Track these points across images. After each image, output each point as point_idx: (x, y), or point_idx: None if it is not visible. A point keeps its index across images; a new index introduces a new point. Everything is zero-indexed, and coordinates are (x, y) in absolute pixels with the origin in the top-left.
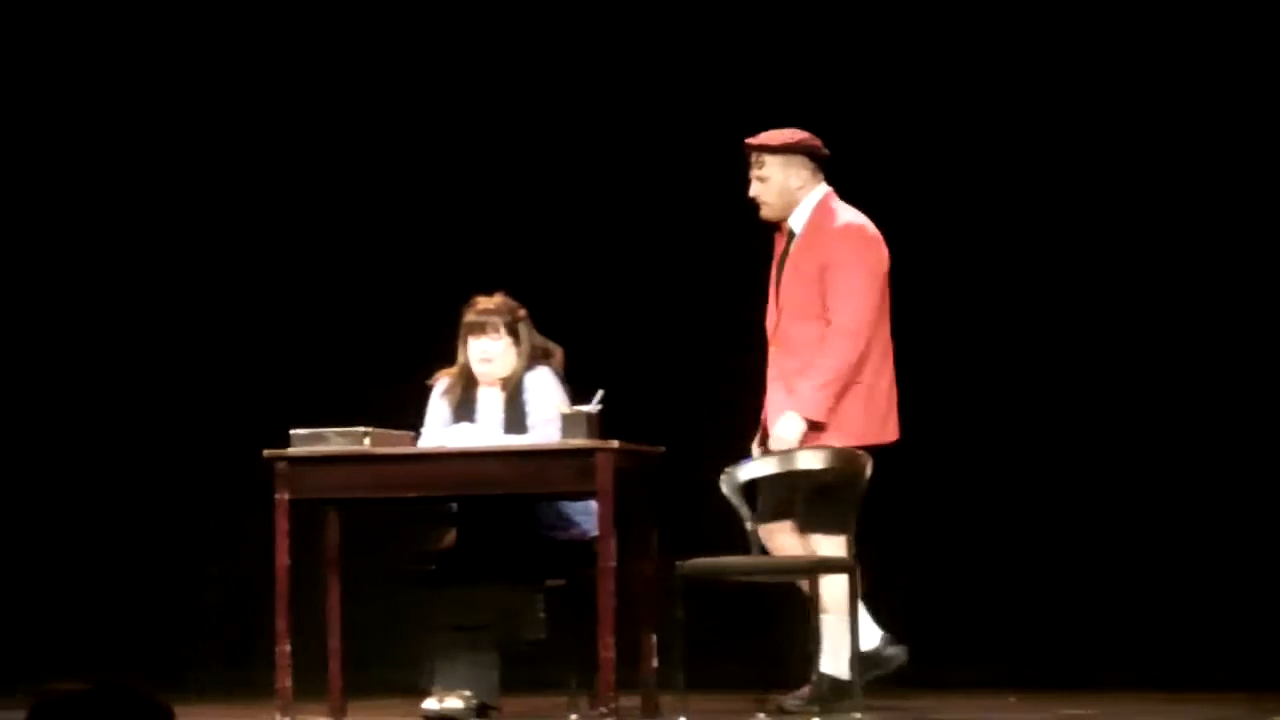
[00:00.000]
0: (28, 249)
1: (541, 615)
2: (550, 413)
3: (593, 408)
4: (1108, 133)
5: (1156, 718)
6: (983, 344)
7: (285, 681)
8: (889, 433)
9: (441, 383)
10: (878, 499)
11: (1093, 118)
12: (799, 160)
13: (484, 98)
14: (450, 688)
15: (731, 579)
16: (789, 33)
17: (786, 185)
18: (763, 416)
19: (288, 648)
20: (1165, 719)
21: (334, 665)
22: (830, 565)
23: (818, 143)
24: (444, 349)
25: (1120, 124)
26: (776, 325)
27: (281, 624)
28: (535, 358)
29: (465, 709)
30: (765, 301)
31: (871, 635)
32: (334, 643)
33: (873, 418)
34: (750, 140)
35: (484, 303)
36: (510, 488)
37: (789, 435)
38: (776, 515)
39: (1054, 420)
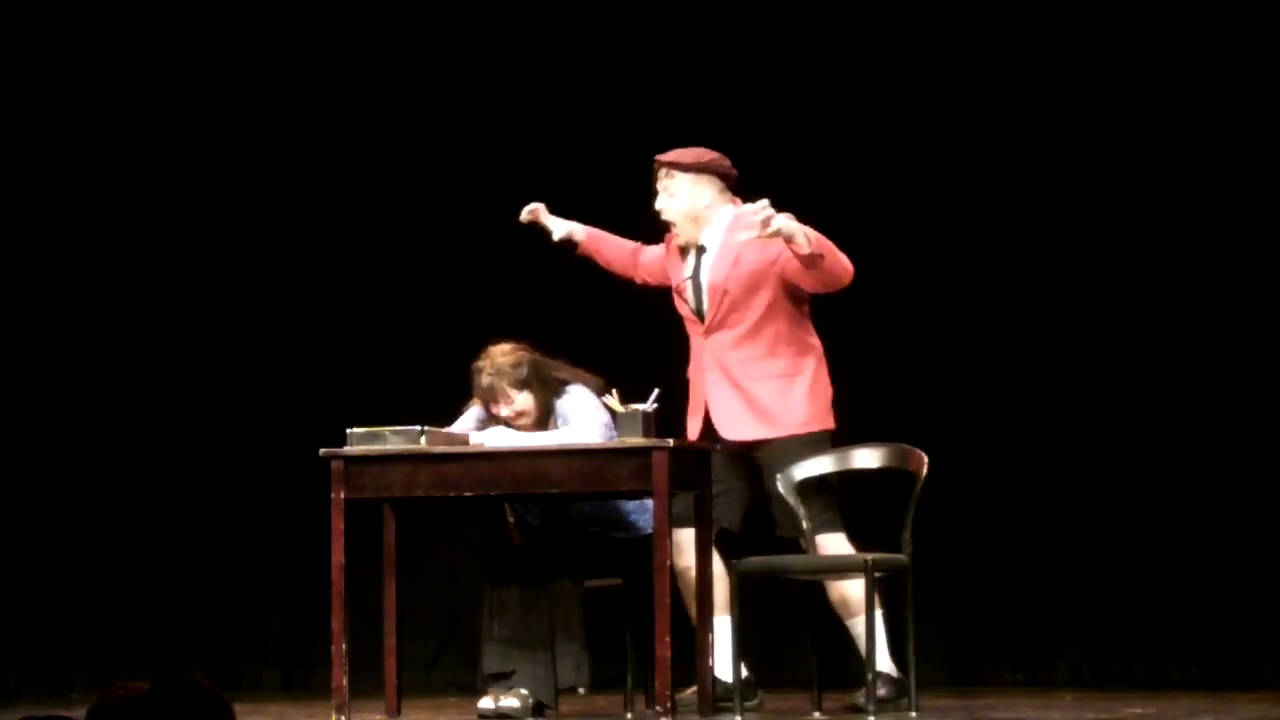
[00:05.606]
0: (91, 254)
1: (578, 649)
2: (590, 412)
3: (648, 406)
4: (1116, 136)
5: (1214, 716)
6: (1034, 348)
7: (341, 680)
8: (830, 421)
9: (475, 411)
10: (937, 501)
11: (1101, 125)
12: (707, 179)
13: (540, 114)
14: (507, 686)
15: (789, 578)
16: (784, 38)
17: (693, 204)
18: (702, 412)
19: (344, 646)
20: (1222, 718)
21: (390, 663)
22: (884, 564)
23: (727, 163)
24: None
25: (1126, 129)
26: (710, 330)
27: (337, 623)
28: (558, 390)
29: (522, 708)
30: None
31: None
32: (390, 641)
33: (817, 407)
34: (661, 157)
35: (485, 372)
36: (567, 487)
37: (784, 220)
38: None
39: (1110, 420)
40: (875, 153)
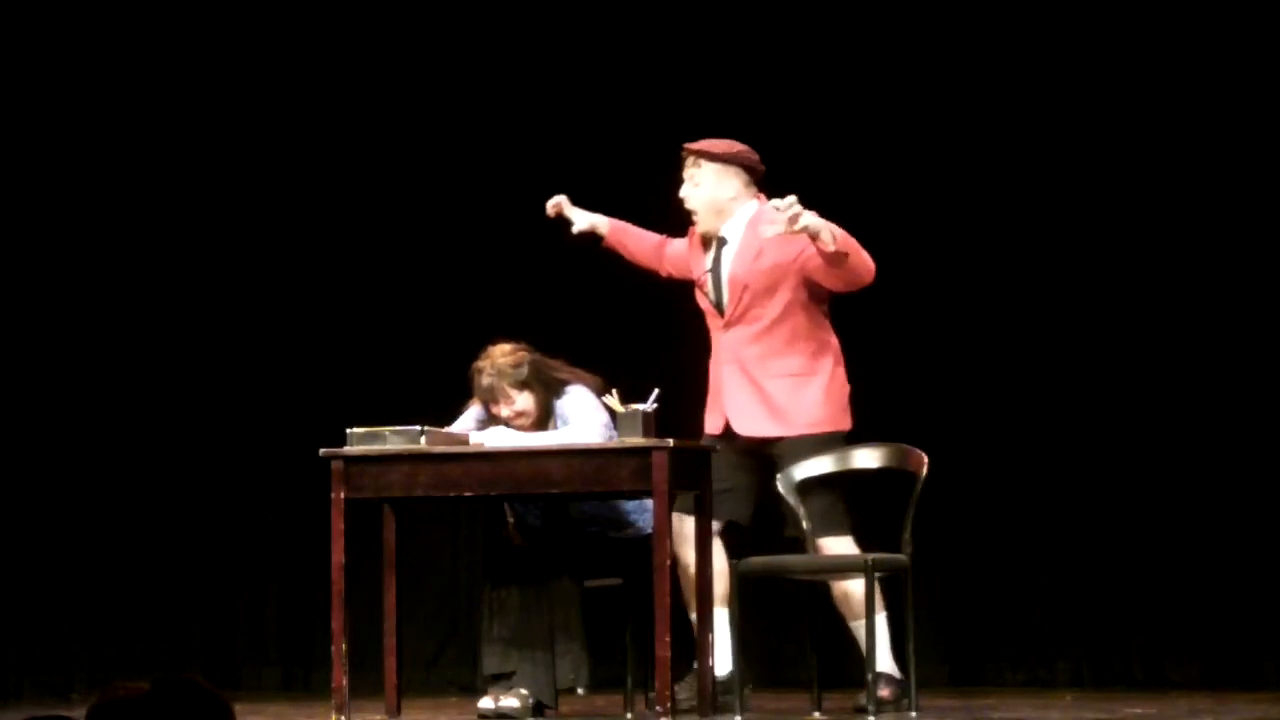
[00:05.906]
0: (91, 255)
1: (577, 649)
2: (590, 412)
3: (648, 406)
4: (1117, 139)
5: (1214, 716)
6: (1035, 349)
7: (341, 680)
8: (845, 422)
9: (475, 411)
10: (937, 501)
11: (1102, 127)
12: (734, 171)
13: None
14: (507, 686)
15: (790, 577)
16: (784, 39)
17: (717, 195)
18: (720, 409)
19: (344, 646)
20: (1222, 718)
21: (390, 663)
22: (884, 564)
23: (756, 157)
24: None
25: (1127, 131)
26: (729, 324)
27: (337, 623)
28: (558, 390)
29: (522, 708)
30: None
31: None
32: (390, 641)
33: (832, 407)
34: (689, 146)
35: (485, 372)
36: (567, 487)
37: (811, 217)
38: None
39: (1110, 421)
40: (876, 153)
